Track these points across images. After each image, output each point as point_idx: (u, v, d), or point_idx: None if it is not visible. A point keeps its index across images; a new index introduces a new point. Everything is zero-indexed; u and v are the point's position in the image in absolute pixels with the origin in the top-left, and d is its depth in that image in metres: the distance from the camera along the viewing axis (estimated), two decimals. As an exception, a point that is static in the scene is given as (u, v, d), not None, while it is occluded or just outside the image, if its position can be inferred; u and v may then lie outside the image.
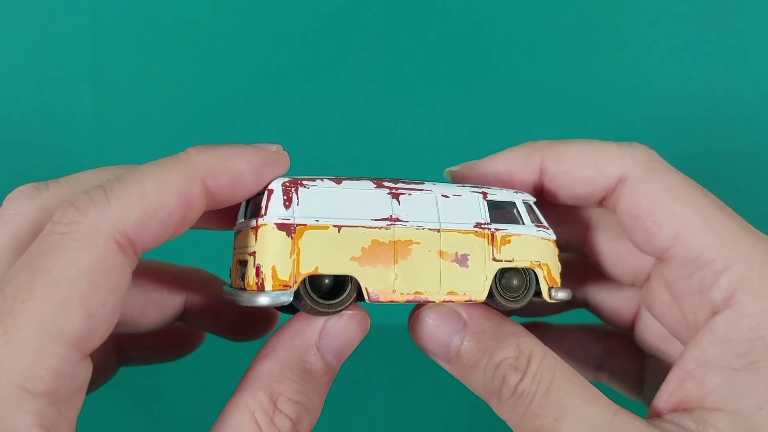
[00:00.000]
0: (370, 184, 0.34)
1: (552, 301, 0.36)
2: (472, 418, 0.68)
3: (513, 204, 0.37)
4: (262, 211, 0.32)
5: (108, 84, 0.77)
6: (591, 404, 0.32)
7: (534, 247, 0.36)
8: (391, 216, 0.33)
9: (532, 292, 0.36)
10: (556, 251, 0.37)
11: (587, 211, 0.41)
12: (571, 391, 0.32)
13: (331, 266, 0.32)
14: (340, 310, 0.33)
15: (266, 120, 0.77)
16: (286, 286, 0.31)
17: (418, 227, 0.34)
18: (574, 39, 0.78)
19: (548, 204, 0.39)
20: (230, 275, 0.36)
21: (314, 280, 0.32)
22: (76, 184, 0.34)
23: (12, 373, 0.26)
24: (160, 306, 0.40)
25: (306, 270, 0.32)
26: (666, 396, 0.34)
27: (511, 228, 0.36)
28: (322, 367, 0.32)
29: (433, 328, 0.34)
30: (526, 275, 0.36)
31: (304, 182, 0.33)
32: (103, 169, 0.35)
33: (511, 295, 0.36)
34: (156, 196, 0.30)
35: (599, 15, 0.78)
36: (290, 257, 0.31)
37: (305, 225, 0.32)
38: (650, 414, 0.35)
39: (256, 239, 0.32)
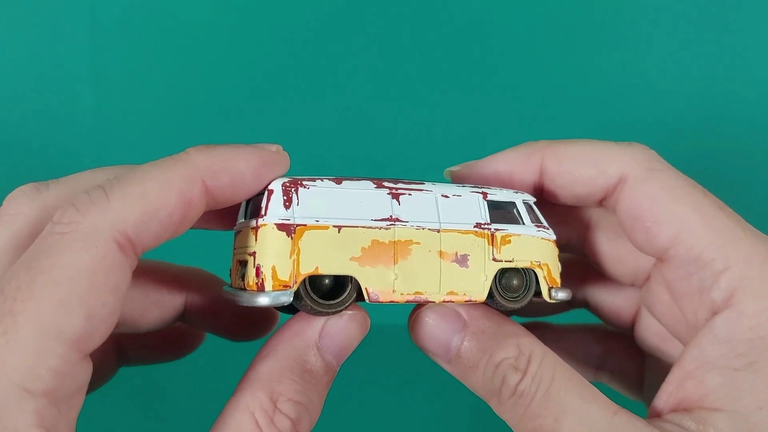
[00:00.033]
0: (370, 184, 0.34)
1: (552, 301, 0.36)
2: (472, 418, 0.68)
3: (513, 204, 0.37)
4: (262, 212, 0.32)
5: (108, 84, 0.76)
6: (591, 404, 0.32)
7: (534, 247, 0.36)
8: (391, 216, 0.33)
9: (532, 292, 0.36)
10: (556, 251, 0.37)
11: (587, 211, 0.41)
12: (571, 391, 0.32)
13: (331, 266, 0.32)
14: (340, 311, 0.33)
15: (266, 120, 0.77)
16: (286, 286, 0.31)
17: (418, 227, 0.34)
18: (574, 39, 0.78)
19: (548, 204, 0.39)
20: (230, 275, 0.36)
21: (314, 281, 0.32)
22: (76, 184, 0.34)
23: (12, 373, 0.26)
24: (160, 306, 0.40)
25: (306, 270, 0.32)
26: (666, 396, 0.34)
27: (511, 228, 0.36)
28: (322, 367, 0.32)
29: (433, 328, 0.34)
30: (526, 275, 0.36)
31: (304, 182, 0.33)
32: (103, 169, 0.35)
33: (511, 295, 0.36)
34: (156, 196, 0.30)
35: (599, 15, 0.78)
36: (290, 257, 0.31)
37: (305, 225, 0.32)
38: (650, 414, 0.35)
39: (256, 239, 0.32)
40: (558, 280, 0.37)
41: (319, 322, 0.32)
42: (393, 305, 0.34)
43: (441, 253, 0.34)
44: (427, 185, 0.35)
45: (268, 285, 0.31)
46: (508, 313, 0.36)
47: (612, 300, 0.44)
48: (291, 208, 0.32)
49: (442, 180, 0.37)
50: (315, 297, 0.32)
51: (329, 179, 0.33)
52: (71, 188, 0.33)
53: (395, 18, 0.77)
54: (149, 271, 0.39)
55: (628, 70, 0.78)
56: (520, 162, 0.38)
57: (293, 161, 0.34)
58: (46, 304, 0.27)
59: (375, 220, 0.33)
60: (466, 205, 0.35)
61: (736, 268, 0.33)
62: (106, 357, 0.41)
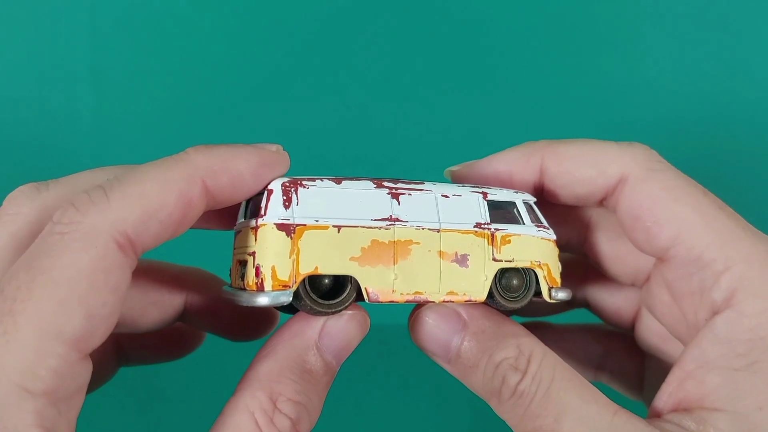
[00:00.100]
0: (369, 184, 0.34)
1: (552, 301, 0.36)
2: (472, 418, 0.68)
3: (513, 204, 0.37)
4: (262, 212, 0.32)
5: (108, 84, 0.76)
6: (591, 404, 0.32)
7: (534, 247, 0.36)
8: (390, 216, 0.33)
9: (532, 292, 0.36)
10: (556, 251, 0.37)
11: (587, 211, 0.41)
12: (571, 391, 0.32)
13: (330, 266, 0.32)
14: (340, 310, 0.33)
15: (266, 120, 0.77)
16: (285, 286, 0.31)
17: (418, 227, 0.34)
18: (574, 39, 0.78)
19: (548, 204, 0.39)
20: (230, 275, 0.36)
21: (314, 280, 0.32)
22: (76, 184, 0.34)
23: (12, 373, 0.26)
24: (159, 306, 0.40)
25: (305, 270, 0.32)
26: (666, 396, 0.34)
27: (511, 228, 0.36)
28: (321, 367, 0.32)
29: (433, 328, 0.34)
30: (526, 275, 0.36)
31: (303, 182, 0.33)
32: (103, 169, 0.35)
33: (511, 295, 0.36)
34: (156, 196, 0.30)
35: (599, 15, 0.78)
36: (290, 257, 0.31)
37: (305, 225, 0.32)
38: (650, 414, 0.35)
39: (255, 239, 0.32)
40: (558, 280, 0.37)
41: (318, 322, 0.32)
42: (393, 305, 0.34)
43: (441, 253, 0.34)
44: (427, 185, 0.35)
45: (268, 285, 0.31)
46: (508, 313, 0.36)
47: (612, 300, 0.44)
48: (290, 208, 0.32)
49: (442, 180, 0.37)
50: (314, 297, 0.32)
51: (329, 179, 0.33)
52: (71, 188, 0.33)
53: (395, 18, 0.77)
54: (149, 271, 0.39)
55: (628, 70, 0.78)
56: (521, 162, 0.38)
57: (293, 161, 0.34)
58: (45, 304, 0.27)
59: (375, 219, 0.33)
60: (466, 205, 0.35)
61: (736, 268, 0.33)
62: (105, 357, 0.41)
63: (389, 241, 0.33)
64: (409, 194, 0.34)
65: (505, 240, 0.35)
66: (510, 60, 0.78)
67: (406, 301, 0.33)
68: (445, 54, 0.78)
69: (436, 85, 0.78)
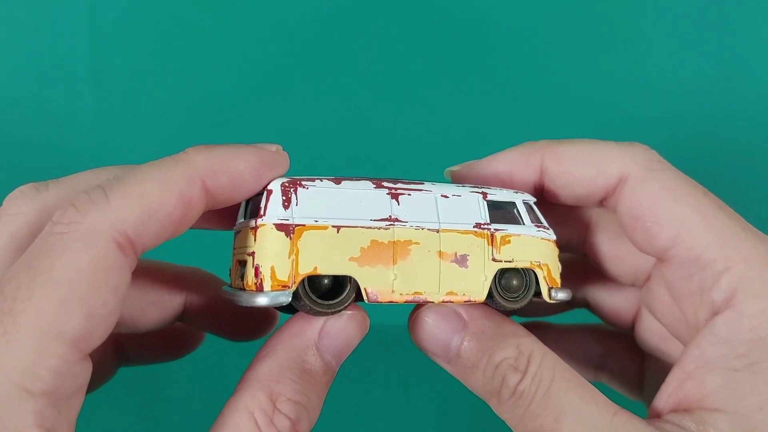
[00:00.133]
0: (369, 184, 0.34)
1: (552, 301, 0.36)
2: (472, 418, 0.68)
3: (513, 204, 0.37)
4: (261, 212, 0.32)
5: (108, 84, 0.76)
6: (591, 404, 0.32)
7: (534, 247, 0.36)
8: (390, 216, 0.33)
9: (532, 292, 0.36)
10: (556, 251, 0.37)
11: (587, 211, 0.41)
12: (571, 391, 0.32)
13: (329, 267, 0.32)
14: (339, 311, 0.33)
15: (266, 120, 0.77)
16: (284, 286, 0.31)
17: (418, 227, 0.34)
18: (574, 39, 0.78)
19: (548, 204, 0.39)
20: (230, 275, 0.36)
21: (313, 281, 0.32)
22: (75, 184, 0.34)
23: (12, 373, 0.26)
24: (159, 306, 0.40)
25: (305, 270, 0.32)
26: (666, 396, 0.34)
27: (510, 228, 0.36)
28: (321, 367, 0.32)
29: (433, 329, 0.34)
30: (526, 275, 0.36)
31: (303, 182, 0.33)
32: (103, 169, 0.35)
33: (511, 295, 0.36)
34: (156, 196, 0.30)
35: (599, 15, 0.78)
36: (289, 257, 0.31)
37: (304, 225, 0.32)
38: (650, 414, 0.35)
39: (255, 239, 0.32)
40: (558, 281, 0.37)
41: (318, 322, 0.32)
42: (392, 305, 0.34)
43: (440, 253, 0.34)
44: (427, 185, 0.35)
45: (267, 285, 0.31)
46: (508, 313, 0.36)
47: (612, 300, 0.44)
48: (290, 209, 0.32)
49: (442, 180, 0.37)
50: (314, 297, 0.32)
51: (328, 179, 0.33)
52: (71, 188, 0.33)
53: (395, 18, 0.77)
54: (149, 271, 0.39)
55: (628, 70, 0.78)
56: (521, 162, 0.38)
57: (293, 161, 0.34)
58: (45, 304, 0.27)
59: (374, 220, 0.33)
60: (466, 205, 0.35)
61: (736, 268, 0.33)
62: (105, 357, 0.41)
63: (388, 242, 0.33)
64: (409, 194, 0.34)
65: (505, 240, 0.35)
66: (510, 60, 0.78)
67: (405, 302, 0.33)
68: (445, 54, 0.78)
69: (436, 85, 0.78)
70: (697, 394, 0.33)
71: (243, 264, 0.33)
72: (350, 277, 0.32)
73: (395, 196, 0.34)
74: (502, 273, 0.35)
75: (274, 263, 0.31)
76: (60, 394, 0.27)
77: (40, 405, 0.26)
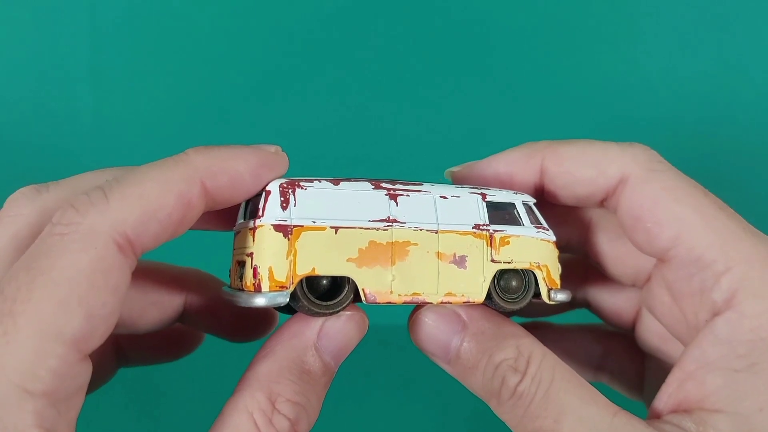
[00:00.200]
0: (367, 185, 0.34)
1: (551, 302, 0.36)
2: (471, 418, 0.68)
3: (512, 205, 0.37)
4: (260, 213, 0.32)
5: (108, 84, 0.76)
6: (591, 405, 0.32)
7: (533, 248, 0.36)
8: (388, 217, 0.33)
9: (531, 293, 0.36)
10: (555, 252, 0.37)
11: (588, 211, 0.41)
12: (571, 392, 0.32)
13: (327, 267, 0.32)
14: (338, 311, 0.33)
15: (266, 120, 0.77)
16: (282, 287, 0.31)
17: (416, 228, 0.34)
18: (574, 39, 0.77)
19: (549, 204, 0.39)
20: (229, 276, 0.36)
21: (311, 281, 0.32)
22: (76, 185, 0.34)
23: (12, 374, 0.26)
24: (159, 307, 0.40)
25: (303, 271, 0.32)
26: (666, 397, 0.34)
27: (510, 229, 0.36)
28: (320, 368, 0.32)
29: (433, 329, 0.34)
30: (525, 276, 0.36)
31: (301, 183, 0.33)
32: (103, 171, 0.35)
33: (510, 296, 0.35)
34: (155, 196, 0.30)
35: (599, 15, 0.78)
36: (287, 258, 0.31)
37: (302, 226, 0.32)
38: (650, 415, 0.35)
39: (253, 240, 0.32)
40: (557, 282, 0.37)
41: (317, 322, 0.32)
42: (391, 306, 0.33)
43: (439, 254, 0.34)
44: (426, 186, 0.35)
45: (265, 286, 0.31)
46: (508, 314, 0.36)
47: (612, 300, 0.44)
48: (288, 209, 0.32)
49: (442, 180, 0.37)
50: (312, 298, 0.32)
51: (327, 180, 0.33)
52: (71, 190, 0.33)
53: (395, 18, 0.77)
54: (148, 271, 0.39)
55: (628, 70, 0.77)
56: (521, 162, 0.38)
57: (292, 161, 0.34)
58: (45, 305, 0.27)
59: (372, 221, 0.33)
60: (465, 206, 0.35)
61: (737, 269, 0.33)
62: (105, 357, 0.41)
63: (387, 242, 0.33)
64: (407, 195, 0.34)
65: (504, 241, 0.35)
66: (510, 60, 0.78)
67: (403, 302, 0.33)
68: (445, 54, 0.78)
69: (436, 85, 0.78)
70: (698, 394, 0.33)
71: (242, 265, 0.33)
72: (348, 278, 0.32)
73: (394, 197, 0.34)
74: (501, 274, 0.35)
75: (272, 264, 0.31)
76: (60, 394, 0.27)
77: (40, 405, 0.26)
